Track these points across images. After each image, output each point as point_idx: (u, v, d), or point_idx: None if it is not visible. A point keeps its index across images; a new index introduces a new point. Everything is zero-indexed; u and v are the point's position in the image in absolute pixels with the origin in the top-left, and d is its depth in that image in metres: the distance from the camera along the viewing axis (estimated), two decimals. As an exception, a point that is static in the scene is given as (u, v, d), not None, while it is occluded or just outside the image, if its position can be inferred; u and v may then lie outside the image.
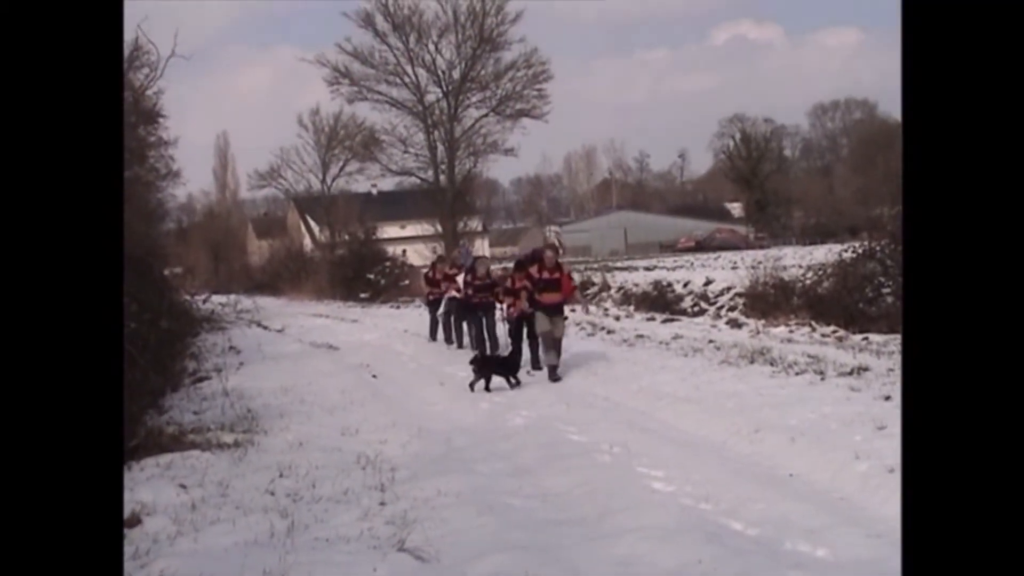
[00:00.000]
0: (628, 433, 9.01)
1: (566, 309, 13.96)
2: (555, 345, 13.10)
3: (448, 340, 18.50)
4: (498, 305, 16.02)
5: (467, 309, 16.82)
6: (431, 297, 19.89)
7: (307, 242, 57.37)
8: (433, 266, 20.98)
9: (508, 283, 14.87)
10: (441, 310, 19.06)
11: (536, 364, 13.78)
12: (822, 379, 10.39)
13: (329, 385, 13.07)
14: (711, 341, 14.76)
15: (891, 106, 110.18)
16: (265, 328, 24.98)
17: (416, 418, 10.54)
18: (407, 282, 38.72)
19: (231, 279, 52.26)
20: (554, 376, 12.78)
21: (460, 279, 17.47)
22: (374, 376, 14.50)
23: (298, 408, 11.14)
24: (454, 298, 17.95)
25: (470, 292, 16.42)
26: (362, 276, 38.08)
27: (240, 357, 17.05)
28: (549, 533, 6.02)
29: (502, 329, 15.53)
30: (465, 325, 17.52)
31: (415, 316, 26.69)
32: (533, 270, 13.32)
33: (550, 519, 6.41)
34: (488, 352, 15.13)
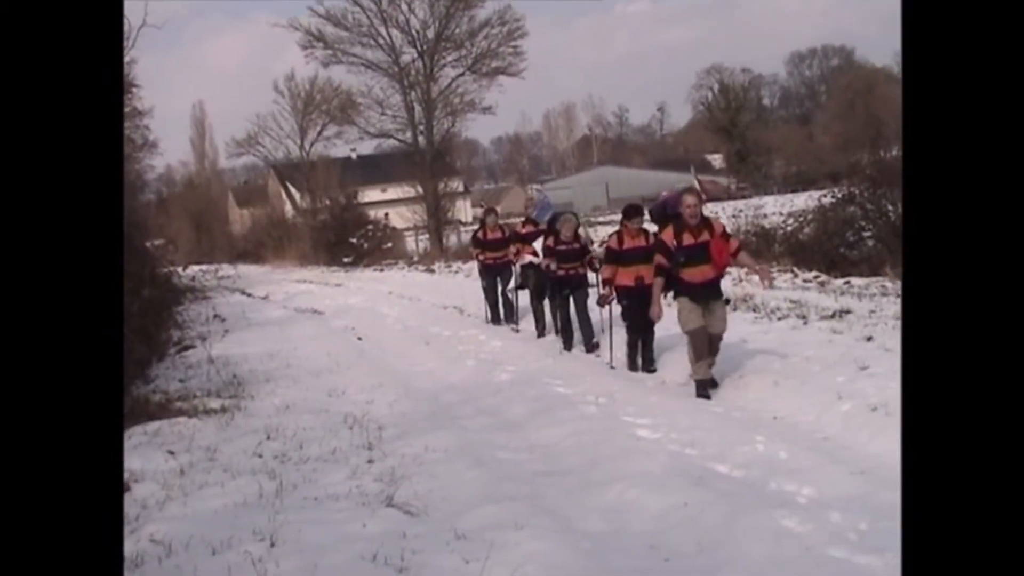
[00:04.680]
0: (613, 384, 9.07)
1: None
2: (712, 346, 8.55)
3: (539, 329, 13.14)
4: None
5: (549, 285, 12.18)
6: (488, 262, 14.78)
7: (288, 209, 56.92)
8: (483, 222, 15.61)
9: (612, 243, 10.18)
10: (513, 283, 14.34)
11: (635, 363, 10.07)
12: (804, 323, 10.45)
13: (315, 349, 13.06)
14: (694, 291, 14.75)
15: (868, 52, 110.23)
16: (249, 296, 24.96)
17: (402, 378, 10.57)
18: (390, 245, 38.65)
19: (214, 248, 51.99)
20: (704, 391, 8.44)
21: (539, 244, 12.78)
22: (359, 339, 14.50)
23: (284, 372, 11.13)
24: (531, 265, 13.14)
25: (551, 262, 11.74)
26: (345, 241, 37.92)
27: (225, 325, 17.01)
28: (538, 484, 6.06)
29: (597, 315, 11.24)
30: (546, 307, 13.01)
31: (399, 278, 26.70)
32: (667, 235, 8.64)
33: (539, 470, 6.45)
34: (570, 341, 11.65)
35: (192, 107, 77.36)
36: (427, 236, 39.70)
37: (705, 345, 8.43)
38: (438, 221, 39.17)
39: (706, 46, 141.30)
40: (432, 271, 27.54)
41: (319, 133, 61.26)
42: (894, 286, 13.73)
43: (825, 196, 18.51)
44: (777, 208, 24.16)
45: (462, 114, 41.19)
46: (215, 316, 18.26)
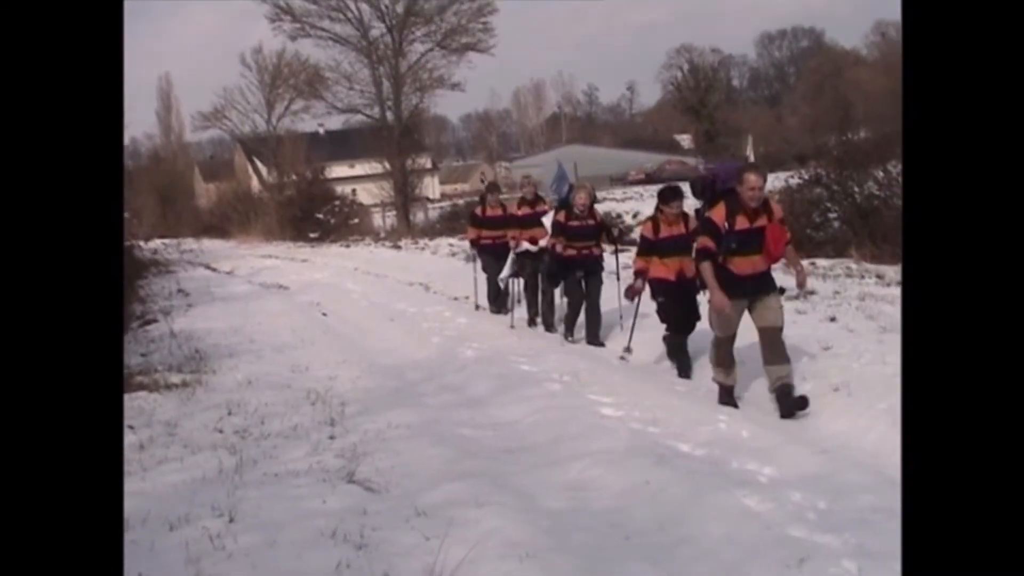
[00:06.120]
0: (578, 362, 9.06)
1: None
2: (773, 342, 7.07)
3: (532, 319, 11.95)
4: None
5: (558, 267, 10.52)
6: (487, 243, 13.11)
7: (255, 183, 56.53)
8: (483, 198, 13.90)
9: (647, 230, 8.94)
10: (506, 271, 12.43)
11: (686, 372, 8.62)
12: (769, 303, 10.47)
13: (279, 324, 12.96)
14: (661, 270, 14.77)
15: (837, 34, 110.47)
16: (214, 270, 24.80)
17: (367, 354, 10.52)
18: (357, 221, 38.57)
19: (179, 223, 51.62)
20: (790, 406, 6.84)
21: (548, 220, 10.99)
22: (324, 314, 14.41)
23: (247, 347, 11.02)
24: (528, 253, 11.82)
25: (562, 241, 10.31)
26: (311, 216, 37.77)
27: (189, 299, 16.89)
28: (501, 461, 6.05)
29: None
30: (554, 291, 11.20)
31: (365, 254, 26.60)
32: (717, 215, 7.03)
33: (502, 447, 6.44)
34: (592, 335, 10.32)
35: (158, 79, 76.31)
36: (394, 213, 39.55)
37: (731, 356, 7.31)
38: (405, 198, 39.02)
39: (676, 26, 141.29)
40: (399, 248, 27.45)
41: (286, 107, 60.51)
42: (859, 267, 13.83)
43: (792, 177, 18.56)
44: (744, 189, 24.22)
45: (431, 90, 41.02)
46: (179, 290, 18.13)
